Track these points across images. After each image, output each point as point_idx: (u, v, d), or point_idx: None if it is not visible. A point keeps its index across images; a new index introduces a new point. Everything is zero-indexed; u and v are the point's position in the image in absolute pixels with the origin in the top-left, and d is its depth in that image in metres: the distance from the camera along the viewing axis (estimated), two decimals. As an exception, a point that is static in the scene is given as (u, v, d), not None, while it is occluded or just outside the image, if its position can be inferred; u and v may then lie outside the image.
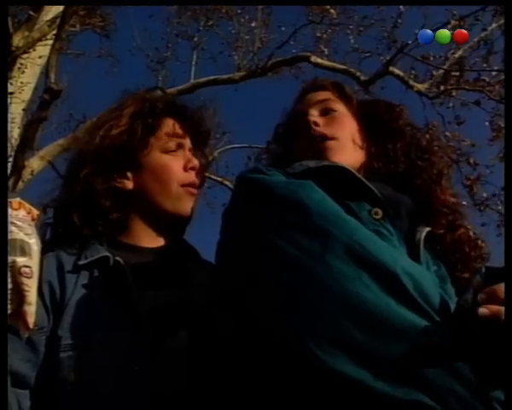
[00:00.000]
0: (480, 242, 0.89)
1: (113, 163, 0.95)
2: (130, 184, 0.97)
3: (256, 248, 0.75)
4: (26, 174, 4.29)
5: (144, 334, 0.83)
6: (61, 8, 4.15)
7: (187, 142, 1.02)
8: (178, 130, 1.01)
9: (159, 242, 0.99)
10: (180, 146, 1.00)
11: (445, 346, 0.62)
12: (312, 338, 0.64)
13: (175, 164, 0.99)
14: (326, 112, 0.97)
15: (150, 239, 0.98)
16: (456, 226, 0.88)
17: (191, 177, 1.00)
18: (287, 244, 0.71)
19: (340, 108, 0.98)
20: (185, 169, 0.99)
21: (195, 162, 1.00)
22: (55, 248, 0.93)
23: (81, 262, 0.90)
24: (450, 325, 0.63)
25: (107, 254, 0.90)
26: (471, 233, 0.89)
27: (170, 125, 1.01)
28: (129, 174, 0.97)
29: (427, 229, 0.83)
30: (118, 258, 0.88)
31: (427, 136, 1.01)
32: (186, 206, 0.99)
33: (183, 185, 0.98)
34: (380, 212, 0.80)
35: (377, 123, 0.98)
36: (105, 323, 0.84)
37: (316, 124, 0.94)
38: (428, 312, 0.65)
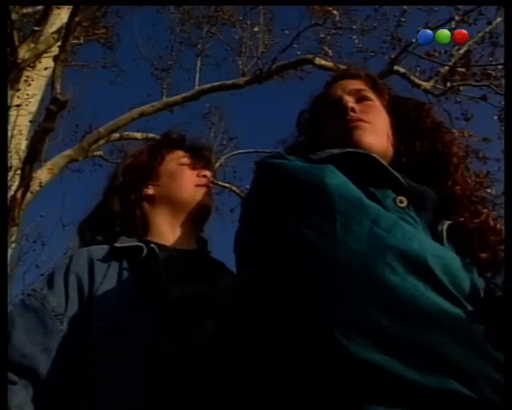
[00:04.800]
0: (499, 225, 0.86)
1: (138, 178, 1.13)
2: (151, 190, 1.12)
3: (278, 234, 0.73)
4: (35, 186, 4.30)
5: (172, 322, 0.86)
6: (65, 19, 4.17)
7: (197, 163, 1.18)
8: (188, 156, 1.18)
9: (185, 245, 1.08)
10: (192, 163, 1.16)
11: (476, 331, 0.59)
12: (337, 326, 0.62)
13: (188, 171, 1.15)
14: (361, 99, 0.96)
15: (177, 241, 1.08)
16: (478, 214, 0.86)
17: (204, 180, 1.14)
18: (308, 229, 0.69)
19: (374, 98, 0.98)
20: (198, 176, 1.15)
21: (207, 172, 1.16)
22: (88, 245, 1.03)
23: (117, 245, 0.98)
24: (481, 309, 0.61)
25: (141, 244, 0.97)
26: (491, 219, 0.87)
27: (181, 153, 1.19)
28: (149, 183, 1.13)
29: (449, 222, 0.81)
30: (153, 245, 0.96)
31: (449, 133, 1.00)
32: (203, 196, 1.12)
33: (197, 186, 1.13)
34: (404, 200, 0.78)
35: (406, 121, 0.97)
36: (134, 310, 0.88)
37: (353, 110, 0.93)
38: (457, 295, 0.62)
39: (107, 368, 0.84)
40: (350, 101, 0.95)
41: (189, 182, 1.12)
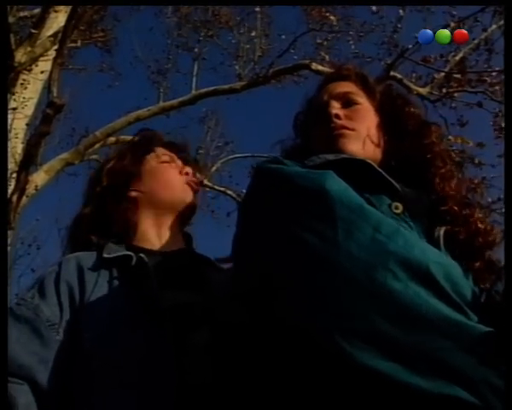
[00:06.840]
0: (489, 227, 0.86)
1: (123, 180, 1.10)
2: (134, 193, 1.09)
3: (277, 239, 0.72)
4: (30, 189, 4.28)
5: (166, 331, 0.85)
6: (62, 23, 4.17)
7: (177, 160, 1.16)
8: (168, 153, 1.16)
9: (172, 246, 1.06)
10: (172, 160, 1.14)
11: (478, 337, 0.59)
12: (340, 332, 0.61)
13: (169, 170, 1.12)
14: (348, 104, 0.95)
15: (163, 244, 1.05)
16: (468, 218, 0.86)
17: (188, 178, 1.12)
18: (309, 235, 0.68)
19: (362, 101, 0.96)
20: (180, 173, 1.13)
21: (188, 169, 1.14)
22: (75, 251, 1.00)
23: (105, 255, 0.95)
24: (482, 315, 0.61)
25: (130, 253, 0.95)
26: (480, 222, 0.85)
27: (161, 150, 1.16)
28: (132, 186, 1.09)
29: (445, 227, 0.81)
30: (142, 255, 0.93)
31: (436, 134, 0.99)
32: (190, 196, 1.11)
33: (179, 184, 1.11)
34: (400, 206, 0.78)
35: (394, 121, 0.96)
36: (127, 320, 0.87)
37: (337, 116, 0.92)
38: (459, 301, 0.63)
39: (101, 380, 0.82)
40: (335, 107, 0.94)
41: (170, 181, 1.10)
